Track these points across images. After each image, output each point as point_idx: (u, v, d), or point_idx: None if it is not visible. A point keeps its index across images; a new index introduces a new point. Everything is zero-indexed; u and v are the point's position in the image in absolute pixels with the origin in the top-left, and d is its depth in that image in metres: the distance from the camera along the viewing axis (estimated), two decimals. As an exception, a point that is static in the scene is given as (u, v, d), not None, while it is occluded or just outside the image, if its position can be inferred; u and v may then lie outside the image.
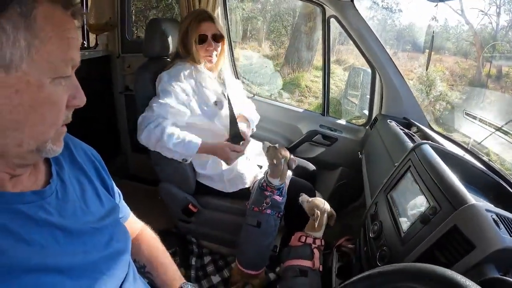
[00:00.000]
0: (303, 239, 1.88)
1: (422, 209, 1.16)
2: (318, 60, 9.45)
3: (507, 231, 0.92)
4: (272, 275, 2.14)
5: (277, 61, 10.33)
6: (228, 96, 2.11)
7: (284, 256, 1.90)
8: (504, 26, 10.51)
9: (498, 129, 1.89)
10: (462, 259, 0.90)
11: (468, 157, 1.62)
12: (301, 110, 3.00)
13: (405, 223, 1.22)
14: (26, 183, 0.76)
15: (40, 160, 0.79)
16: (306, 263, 1.78)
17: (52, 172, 0.83)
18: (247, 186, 2.18)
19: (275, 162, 1.93)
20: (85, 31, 3.20)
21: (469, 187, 1.27)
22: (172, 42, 2.21)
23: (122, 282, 0.88)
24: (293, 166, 2.02)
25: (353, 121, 3.30)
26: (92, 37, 3.23)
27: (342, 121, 2.86)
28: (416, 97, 2.53)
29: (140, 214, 1.26)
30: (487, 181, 1.40)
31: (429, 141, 1.56)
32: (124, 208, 1.16)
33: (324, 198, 2.06)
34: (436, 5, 2.31)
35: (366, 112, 2.86)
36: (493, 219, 0.94)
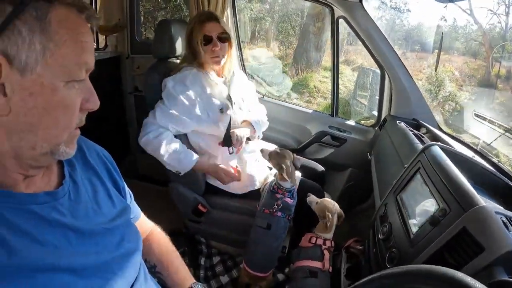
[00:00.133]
0: (313, 240, 1.87)
1: (432, 211, 1.16)
2: (326, 60, 9.44)
3: (517, 234, 0.91)
4: (280, 276, 2.13)
5: (286, 62, 10.33)
6: (232, 100, 2.08)
7: (294, 257, 1.89)
8: (513, 25, 10.43)
9: (508, 130, 1.88)
10: (472, 261, 0.91)
11: (477, 158, 1.61)
12: (310, 111, 3.00)
13: (414, 225, 1.22)
14: (39, 184, 0.78)
15: (54, 162, 0.80)
16: (316, 264, 1.77)
17: (65, 173, 0.84)
18: (256, 188, 2.17)
19: (282, 165, 1.92)
20: (95, 32, 3.21)
21: (479, 189, 1.27)
22: (181, 43, 2.21)
23: (134, 282, 0.89)
24: (299, 165, 2.01)
25: (362, 121, 3.29)
26: (101, 38, 3.25)
27: (351, 122, 2.85)
28: (425, 97, 2.52)
29: (149, 214, 1.27)
30: (496, 183, 1.39)
31: (439, 143, 1.56)
32: (135, 209, 1.17)
33: (333, 199, 2.05)
34: (445, 6, 2.30)
35: (375, 113, 2.85)
36: (503, 221, 0.95)
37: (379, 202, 1.70)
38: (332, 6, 2.49)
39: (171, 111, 1.92)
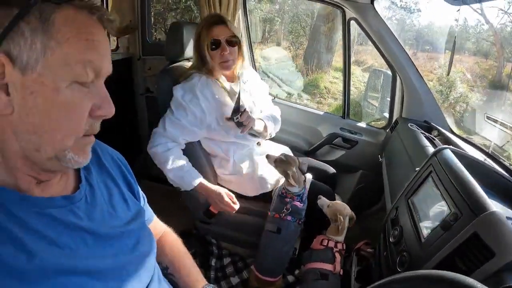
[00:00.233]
0: (325, 242, 1.87)
1: (443, 215, 1.16)
2: (336, 61, 9.40)
3: (528, 239, 0.91)
4: (291, 278, 2.13)
5: (296, 62, 10.31)
6: (239, 92, 2.00)
7: (306, 259, 1.89)
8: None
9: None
10: (482, 266, 0.91)
11: (489, 161, 1.61)
12: (321, 113, 3.00)
13: (425, 229, 1.22)
14: (56, 188, 0.79)
15: (65, 169, 0.79)
16: (327, 267, 1.78)
17: (81, 177, 0.86)
18: (268, 190, 2.17)
19: (288, 172, 1.92)
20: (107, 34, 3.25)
21: (490, 193, 1.26)
22: (193, 45, 2.21)
23: (148, 284, 0.91)
24: (306, 169, 2.01)
25: (373, 123, 3.29)
26: (112, 39, 3.29)
27: (363, 124, 2.85)
28: (436, 99, 2.51)
29: (160, 215, 1.29)
30: (508, 187, 1.39)
31: (450, 146, 1.55)
32: (148, 211, 1.18)
33: (343, 201, 2.05)
34: (458, 10, 2.28)
35: (386, 114, 2.85)
36: (514, 227, 0.94)
37: (390, 205, 1.70)
38: (344, 7, 2.50)
39: (180, 122, 1.91)
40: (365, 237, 1.97)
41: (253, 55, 3.09)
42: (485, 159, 1.62)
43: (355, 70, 9.73)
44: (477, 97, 8.40)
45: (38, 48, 0.64)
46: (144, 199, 1.16)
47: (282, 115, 2.43)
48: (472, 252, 0.96)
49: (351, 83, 2.80)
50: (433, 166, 1.43)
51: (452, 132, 2.21)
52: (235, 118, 1.92)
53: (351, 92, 2.82)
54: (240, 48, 2.05)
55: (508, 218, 0.96)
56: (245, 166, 2.13)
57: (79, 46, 0.67)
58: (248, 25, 2.98)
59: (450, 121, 2.42)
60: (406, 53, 2.36)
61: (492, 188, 1.34)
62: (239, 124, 1.95)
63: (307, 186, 2.05)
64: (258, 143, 2.20)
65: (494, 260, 0.89)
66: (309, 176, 2.12)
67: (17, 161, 0.70)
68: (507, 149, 1.94)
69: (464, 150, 1.62)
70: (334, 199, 2.10)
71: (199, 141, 2.11)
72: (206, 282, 1.17)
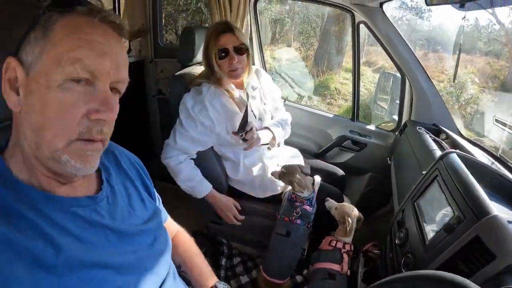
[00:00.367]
0: (333, 243, 1.89)
1: (447, 218, 1.18)
2: (347, 62, 9.35)
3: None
4: (299, 278, 2.16)
5: (306, 63, 10.29)
6: (247, 104, 2.01)
7: (314, 259, 1.91)
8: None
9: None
10: (483, 269, 0.93)
11: (497, 165, 1.62)
12: (331, 115, 3.02)
13: (430, 231, 1.24)
14: (80, 189, 0.84)
15: (74, 174, 0.77)
16: (335, 267, 1.80)
17: (103, 178, 0.91)
18: (278, 192, 2.20)
19: (293, 181, 1.93)
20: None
21: (496, 197, 1.28)
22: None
23: (164, 280, 0.95)
24: (309, 171, 2.01)
25: (382, 125, 3.29)
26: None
27: (372, 127, 2.87)
28: (447, 100, 2.51)
29: (172, 215, 1.32)
30: (513, 190, 1.40)
31: (457, 150, 1.57)
32: (163, 212, 1.22)
33: (352, 203, 2.07)
34: (464, 17, 2.29)
35: (396, 117, 2.86)
36: (515, 230, 0.97)
37: (397, 208, 1.72)
38: (353, 11, 2.51)
39: (189, 134, 1.95)
40: (373, 239, 1.99)
41: (263, 57, 3.12)
42: (492, 163, 1.64)
43: (365, 71, 9.69)
44: (488, 98, 8.31)
45: (37, 51, 0.70)
46: (159, 200, 1.21)
47: (292, 118, 2.45)
48: (473, 254, 0.98)
49: (361, 84, 2.82)
50: (439, 170, 1.44)
51: (461, 135, 2.21)
52: (240, 134, 1.95)
53: (361, 94, 2.83)
54: (248, 55, 2.04)
55: (509, 222, 0.98)
56: (255, 170, 2.15)
57: (71, 44, 0.70)
58: (258, 27, 3.01)
59: (459, 124, 2.42)
60: (415, 56, 2.37)
61: (498, 192, 1.35)
62: (245, 140, 1.97)
63: (316, 189, 2.06)
64: (268, 148, 2.22)
65: (495, 263, 0.92)
66: (318, 178, 2.13)
67: (31, 159, 0.74)
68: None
69: (472, 154, 1.63)
70: (343, 201, 2.11)
71: (212, 148, 2.14)
72: (217, 280, 1.21)
